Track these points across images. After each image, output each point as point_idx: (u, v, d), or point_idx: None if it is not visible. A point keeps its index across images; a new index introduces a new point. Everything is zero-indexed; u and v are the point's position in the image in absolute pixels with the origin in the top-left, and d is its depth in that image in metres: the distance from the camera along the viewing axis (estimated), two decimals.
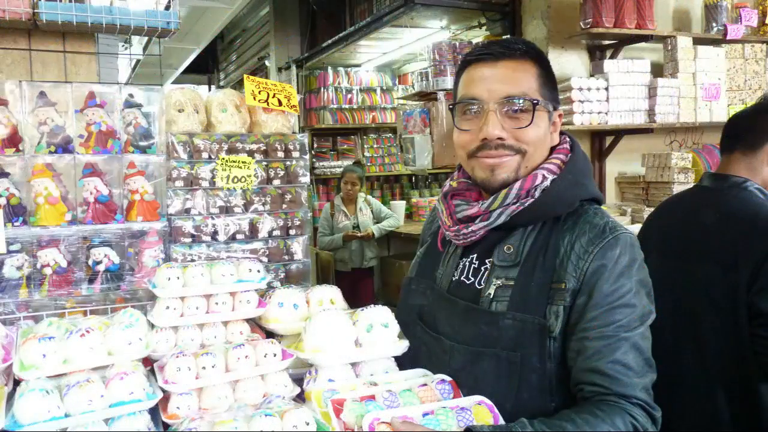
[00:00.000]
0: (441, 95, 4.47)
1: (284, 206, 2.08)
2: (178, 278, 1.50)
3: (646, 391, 1.17)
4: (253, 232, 2.02)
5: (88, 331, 1.26)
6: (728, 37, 4.24)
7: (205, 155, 1.96)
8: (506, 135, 1.27)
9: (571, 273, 1.21)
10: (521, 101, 1.27)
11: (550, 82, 1.33)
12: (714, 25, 4.28)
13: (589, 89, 3.87)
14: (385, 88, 7.80)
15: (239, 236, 1.99)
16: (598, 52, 4.19)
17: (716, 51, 4.20)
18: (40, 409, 1.10)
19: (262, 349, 1.37)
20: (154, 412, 1.25)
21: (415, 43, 6.11)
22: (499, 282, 1.27)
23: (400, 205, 6.53)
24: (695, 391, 1.73)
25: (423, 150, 4.57)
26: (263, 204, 2.04)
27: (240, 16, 7.69)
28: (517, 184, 1.27)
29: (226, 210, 1.99)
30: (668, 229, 1.96)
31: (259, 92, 2.08)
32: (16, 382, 1.24)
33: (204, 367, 1.30)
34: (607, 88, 3.91)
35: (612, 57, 4.12)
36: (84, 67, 2.39)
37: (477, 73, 1.30)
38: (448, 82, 4.43)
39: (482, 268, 1.32)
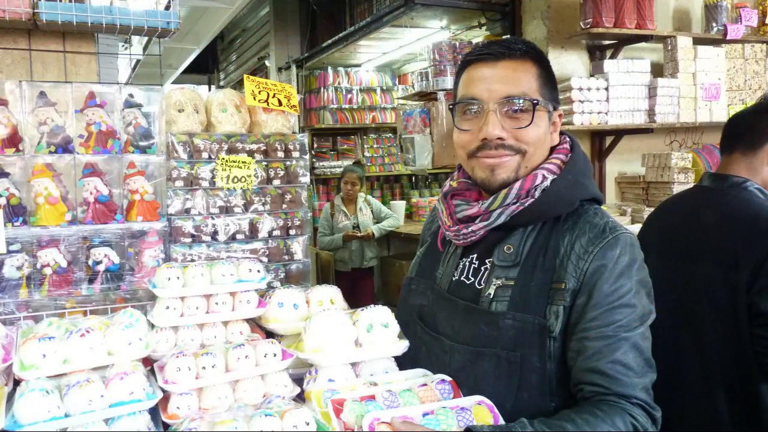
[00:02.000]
0: (441, 95, 4.46)
1: (284, 206, 2.08)
2: (178, 278, 1.50)
3: (646, 391, 1.17)
4: (253, 232, 2.02)
5: (88, 331, 1.26)
6: (728, 37, 4.24)
7: (205, 155, 1.96)
8: (506, 135, 1.27)
9: (571, 273, 1.21)
10: (521, 101, 1.27)
11: (550, 82, 1.33)
12: (714, 25, 4.28)
13: (589, 89, 3.87)
14: (385, 88, 7.80)
15: (239, 236, 1.99)
16: (598, 52, 4.19)
17: (716, 51, 4.20)
18: (40, 409, 1.10)
19: (262, 349, 1.37)
20: (154, 412, 1.25)
21: (415, 43, 6.11)
22: (499, 282, 1.27)
23: (400, 205, 6.53)
24: (695, 391, 1.73)
25: (423, 150, 4.57)
26: (263, 204, 2.04)
27: (240, 16, 7.69)
28: (517, 184, 1.27)
29: (226, 210, 1.99)
30: (668, 229, 1.96)
31: (259, 92, 2.08)
32: (16, 382, 1.24)
33: (204, 367, 1.30)
34: (607, 88, 3.91)
35: (612, 57, 4.12)
36: (84, 67, 2.39)
37: (477, 73, 1.30)
38: (448, 82, 4.43)
39: (482, 268, 1.32)
